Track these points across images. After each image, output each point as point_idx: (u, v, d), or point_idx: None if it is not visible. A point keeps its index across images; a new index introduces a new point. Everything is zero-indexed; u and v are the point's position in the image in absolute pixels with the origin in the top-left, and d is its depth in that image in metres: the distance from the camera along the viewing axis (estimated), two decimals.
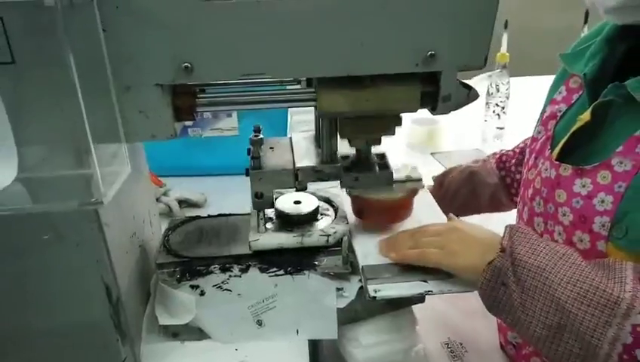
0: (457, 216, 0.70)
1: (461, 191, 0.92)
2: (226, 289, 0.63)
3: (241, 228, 0.70)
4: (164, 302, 0.64)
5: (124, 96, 0.51)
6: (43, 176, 0.50)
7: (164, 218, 0.86)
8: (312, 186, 0.66)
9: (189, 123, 0.86)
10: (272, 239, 0.65)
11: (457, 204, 0.92)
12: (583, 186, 0.60)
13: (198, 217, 0.74)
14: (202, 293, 0.63)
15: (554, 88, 0.75)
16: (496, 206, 0.92)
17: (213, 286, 0.63)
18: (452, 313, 0.83)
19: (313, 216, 0.69)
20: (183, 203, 1.11)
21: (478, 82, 1.58)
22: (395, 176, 0.65)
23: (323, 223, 0.69)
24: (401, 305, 0.66)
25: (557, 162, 0.64)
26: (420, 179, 0.67)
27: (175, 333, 0.66)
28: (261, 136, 0.64)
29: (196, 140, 1.19)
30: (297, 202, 0.71)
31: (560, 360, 0.52)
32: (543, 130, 0.73)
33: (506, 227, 0.57)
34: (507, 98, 1.45)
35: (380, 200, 0.64)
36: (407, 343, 0.66)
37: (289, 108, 1.18)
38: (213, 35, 0.49)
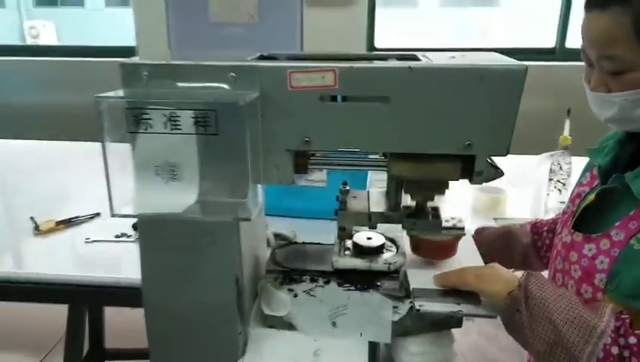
0: None
1: (496, 245, 1.06)
2: (312, 295, 0.88)
3: (326, 253, 0.95)
4: (268, 298, 0.90)
5: (267, 155, 0.80)
6: (211, 200, 0.80)
7: None
8: (381, 227, 0.90)
9: None
10: (348, 262, 0.90)
11: (491, 256, 1.01)
12: (589, 250, 0.79)
13: (296, 243, 1.01)
14: (295, 295, 0.89)
15: (583, 174, 0.95)
16: (528, 265, 1.05)
17: (304, 291, 0.88)
18: (489, 349, 1.00)
19: (380, 249, 0.93)
20: (277, 236, 1.39)
21: (542, 161, 1.74)
22: (444, 224, 0.87)
23: (387, 255, 0.92)
24: (442, 327, 0.86)
25: (572, 230, 0.83)
26: (463, 228, 0.88)
27: (271, 325, 0.91)
28: (347, 188, 0.91)
29: (291, 187, 1.49)
30: (369, 238, 0.95)
31: None
32: (571, 206, 0.92)
33: (524, 272, 0.77)
34: (568, 175, 1.60)
35: (431, 240, 0.86)
36: (445, 356, 0.85)
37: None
38: (325, 122, 0.77)
